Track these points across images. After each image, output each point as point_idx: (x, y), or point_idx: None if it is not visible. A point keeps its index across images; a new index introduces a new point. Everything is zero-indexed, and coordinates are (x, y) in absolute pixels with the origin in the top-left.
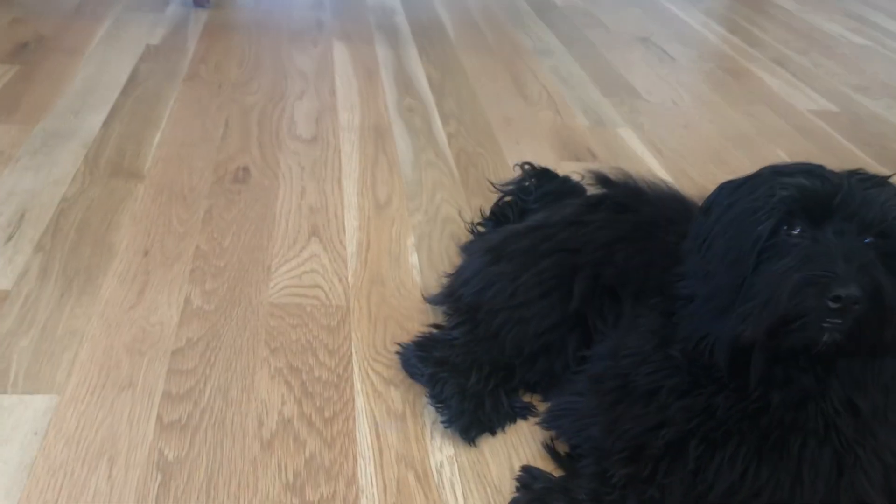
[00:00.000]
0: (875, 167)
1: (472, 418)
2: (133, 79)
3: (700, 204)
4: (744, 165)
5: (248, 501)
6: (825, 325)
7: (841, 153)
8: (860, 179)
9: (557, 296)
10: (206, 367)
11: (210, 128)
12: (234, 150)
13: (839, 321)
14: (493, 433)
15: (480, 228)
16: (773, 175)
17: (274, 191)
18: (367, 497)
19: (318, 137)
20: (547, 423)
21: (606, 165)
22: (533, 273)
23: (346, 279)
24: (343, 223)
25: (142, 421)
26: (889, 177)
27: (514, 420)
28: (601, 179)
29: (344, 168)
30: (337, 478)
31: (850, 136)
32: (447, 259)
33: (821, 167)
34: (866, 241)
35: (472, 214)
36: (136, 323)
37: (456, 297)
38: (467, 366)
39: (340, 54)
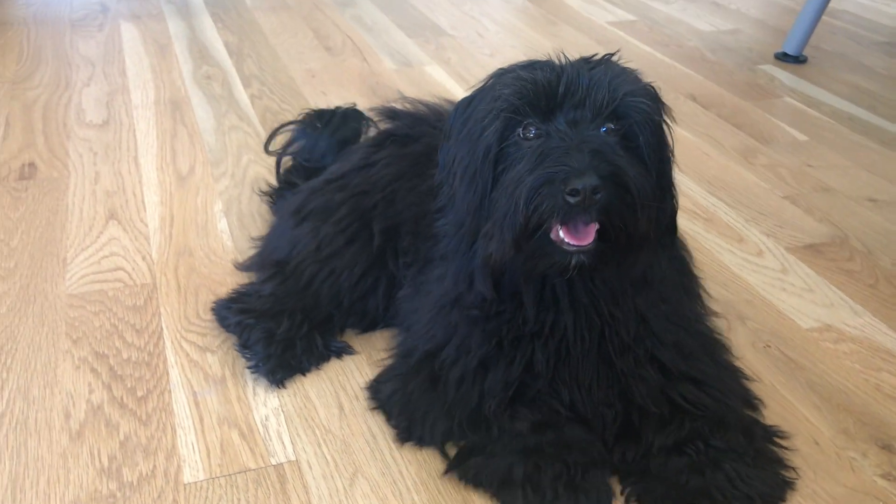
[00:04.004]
0: (674, 65)
1: (278, 361)
2: None
3: None
4: None
5: (61, 495)
6: (567, 248)
7: (641, 57)
8: (584, 61)
9: (360, 242)
10: (1, 372)
11: None
12: (18, 147)
13: (585, 246)
14: (304, 373)
15: (270, 200)
16: (497, 77)
17: (64, 181)
18: (189, 465)
19: (110, 120)
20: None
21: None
22: (332, 223)
23: (151, 256)
24: (143, 201)
25: None
26: (612, 55)
27: (327, 359)
28: (387, 113)
29: (140, 146)
30: (156, 453)
31: (648, 40)
32: (259, 219)
33: (548, 61)
34: (603, 128)
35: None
36: None
37: (265, 261)
38: (276, 313)
39: (129, 34)
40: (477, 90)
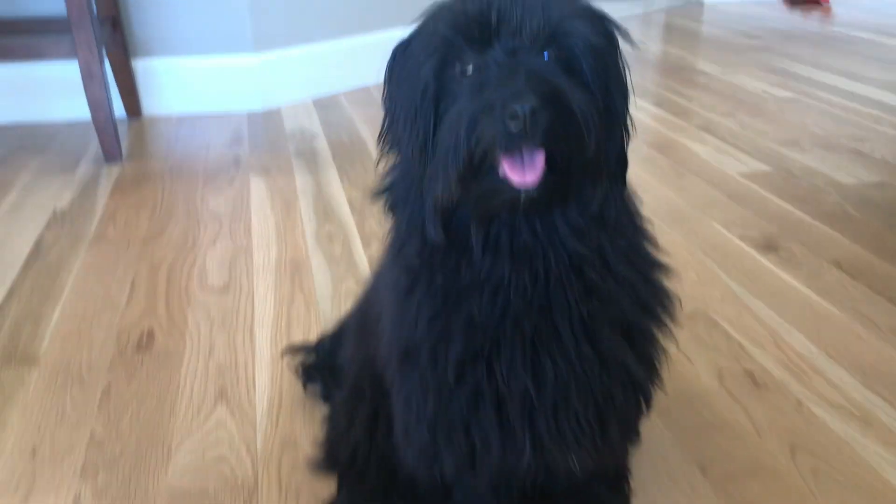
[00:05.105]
0: (815, 224)
1: None
2: (36, 250)
3: None
4: (677, 241)
5: None
6: (515, 187)
7: (777, 214)
8: None
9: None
10: None
11: (115, 292)
12: (139, 313)
13: (530, 184)
14: None
15: None
16: (430, 12)
17: (179, 354)
18: None
19: (231, 284)
20: None
21: None
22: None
23: (255, 446)
24: (253, 379)
25: None
26: None
27: None
28: None
29: (257, 314)
30: None
31: (783, 194)
32: None
33: None
34: (545, 54)
35: None
36: None
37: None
38: None
39: (257, 189)
40: (413, 30)
